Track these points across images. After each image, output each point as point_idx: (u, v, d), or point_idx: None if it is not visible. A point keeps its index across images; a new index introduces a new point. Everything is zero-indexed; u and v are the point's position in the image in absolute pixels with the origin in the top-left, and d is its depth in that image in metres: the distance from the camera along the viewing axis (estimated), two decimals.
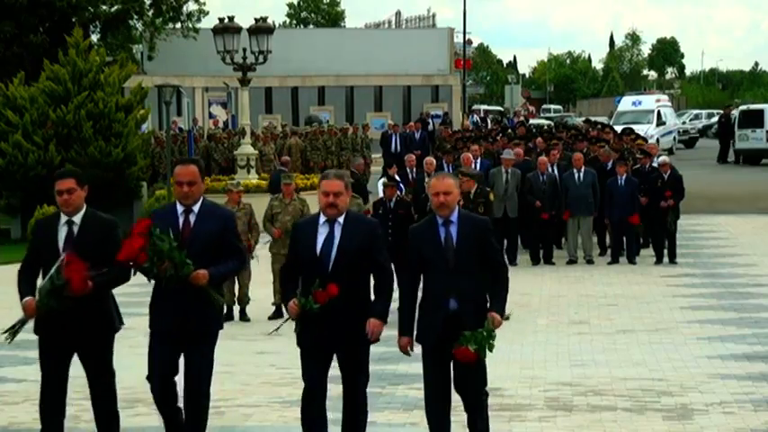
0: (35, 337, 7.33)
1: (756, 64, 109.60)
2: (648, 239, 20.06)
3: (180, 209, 7.33)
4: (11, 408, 9.59)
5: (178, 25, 43.94)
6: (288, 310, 7.14)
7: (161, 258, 6.83)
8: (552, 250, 19.78)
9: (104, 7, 39.00)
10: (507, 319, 7.21)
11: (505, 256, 18.51)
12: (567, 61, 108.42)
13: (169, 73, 39.55)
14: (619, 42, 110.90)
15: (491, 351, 6.88)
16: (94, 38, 33.79)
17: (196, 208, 7.34)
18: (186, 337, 7.13)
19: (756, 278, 17.37)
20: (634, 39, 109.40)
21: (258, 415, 9.41)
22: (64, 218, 7.20)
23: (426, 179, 15.92)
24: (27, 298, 7.11)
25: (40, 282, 7.20)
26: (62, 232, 7.19)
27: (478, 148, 21.90)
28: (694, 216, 23.51)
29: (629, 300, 15.57)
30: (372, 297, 7.21)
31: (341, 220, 7.20)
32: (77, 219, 7.19)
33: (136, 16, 42.63)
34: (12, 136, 24.87)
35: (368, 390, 7.32)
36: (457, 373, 7.04)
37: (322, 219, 7.24)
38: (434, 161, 19.87)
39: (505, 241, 18.41)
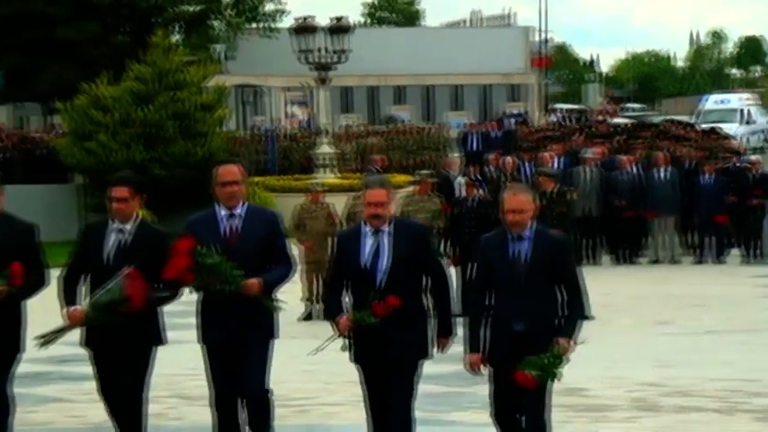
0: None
1: None
2: (737, 239, 19.78)
3: (222, 213, 6.81)
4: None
5: (257, 25, 44.19)
6: (336, 326, 6.60)
7: (210, 274, 6.47)
8: (635, 250, 19.58)
9: (185, 7, 39.38)
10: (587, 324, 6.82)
11: (586, 256, 18.90)
12: (649, 60, 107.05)
13: (248, 73, 39.87)
14: (702, 40, 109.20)
15: (556, 379, 6.40)
16: (176, 38, 33.98)
17: (240, 211, 6.84)
18: (242, 346, 6.71)
19: None
20: (718, 36, 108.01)
21: (342, 414, 9.27)
22: (113, 225, 6.77)
23: (503, 179, 15.82)
24: (72, 307, 6.69)
25: (81, 286, 6.82)
26: (111, 239, 6.76)
27: (560, 146, 21.80)
28: None
29: (717, 300, 15.35)
30: (431, 305, 6.73)
31: (388, 229, 6.69)
32: (129, 227, 6.77)
33: (216, 16, 43.04)
34: (98, 135, 25.35)
35: (451, 389, 7.22)
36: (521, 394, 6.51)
37: (366, 229, 6.71)
38: (514, 161, 19.84)
39: (588, 240, 18.46)
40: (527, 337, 6.34)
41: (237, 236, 6.73)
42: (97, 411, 7.47)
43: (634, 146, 22.46)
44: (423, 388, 7.16)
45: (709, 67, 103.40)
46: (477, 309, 6.66)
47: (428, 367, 6.82)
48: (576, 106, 59.60)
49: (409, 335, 6.50)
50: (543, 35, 55.92)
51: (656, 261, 19.27)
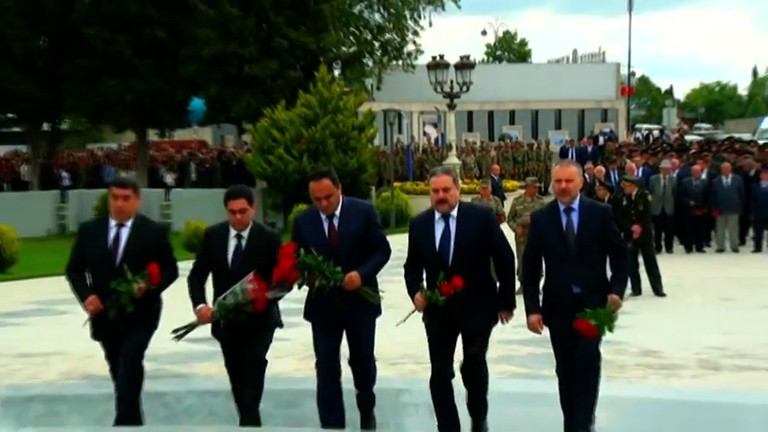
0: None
1: None
2: None
3: (323, 215, 6.24)
4: (278, 361, 9.68)
5: (400, 62, 44.47)
6: (414, 303, 6.06)
7: (311, 272, 6.01)
8: (702, 241, 19.26)
9: (344, 49, 39.78)
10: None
11: (663, 245, 18.72)
12: (716, 89, 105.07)
13: (392, 100, 39.91)
14: (762, 73, 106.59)
15: (611, 331, 5.87)
16: (336, 73, 34.37)
17: (337, 212, 6.24)
18: (348, 326, 6.28)
19: None
20: None
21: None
22: (233, 231, 6.33)
23: (596, 185, 15.58)
24: (201, 306, 6.28)
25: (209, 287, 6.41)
26: (232, 244, 6.34)
27: (641, 158, 21.53)
28: None
29: None
30: (497, 282, 6.21)
31: (454, 213, 6.09)
32: (245, 233, 6.32)
33: (367, 56, 43.45)
34: (276, 150, 25.90)
35: (533, 351, 6.87)
36: (578, 348, 5.98)
37: (437, 215, 6.12)
38: (603, 169, 19.69)
39: (663, 233, 18.17)
40: (584, 301, 5.84)
41: (336, 233, 6.19)
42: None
43: (703, 157, 22.03)
44: (525, 349, 7.01)
45: (766, 94, 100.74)
46: (532, 277, 6.16)
47: (527, 333, 6.32)
48: (656, 126, 58.45)
49: (477, 309, 6.00)
50: (629, 69, 54.69)
51: (720, 250, 18.95)
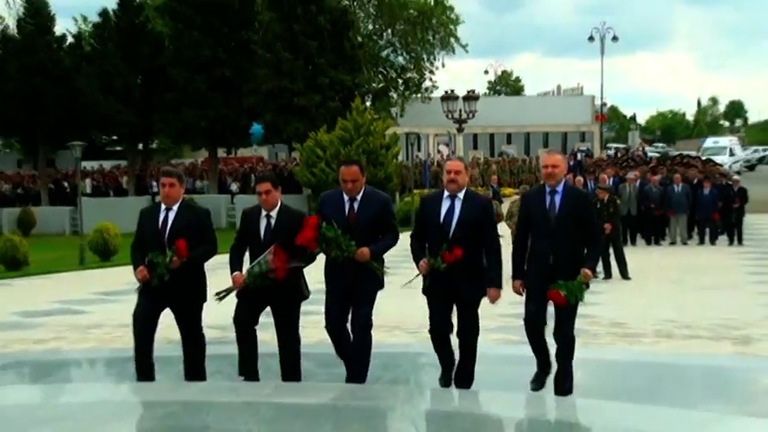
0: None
1: None
2: (723, 230, 19.22)
3: (346, 197, 5.91)
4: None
5: (419, 95, 44.44)
6: (419, 268, 5.77)
7: (329, 244, 5.73)
8: (659, 236, 19.11)
9: (374, 85, 39.92)
10: (597, 276, 6.29)
11: (629, 239, 18.37)
12: (670, 116, 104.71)
13: (412, 125, 39.79)
14: (704, 103, 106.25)
15: (581, 300, 5.59)
16: (367, 104, 34.44)
17: (359, 197, 5.89)
18: (354, 294, 5.88)
19: None
20: (714, 101, 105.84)
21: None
22: (264, 212, 6.03)
23: (596, 189, 15.57)
24: (236, 273, 6.03)
25: (246, 261, 6.15)
26: (263, 223, 6.04)
27: (611, 170, 21.41)
28: (755, 214, 21.87)
29: (711, 267, 14.81)
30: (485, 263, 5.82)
31: (461, 195, 5.76)
32: (274, 213, 6.01)
33: (392, 90, 43.48)
34: (319, 164, 25.94)
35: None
36: (555, 316, 5.74)
37: (446, 193, 5.78)
38: (581, 179, 19.65)
39: (628, 230, 18.03)
40: (558, 270, 5.55)
41: (355, 215, 5.85)
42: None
43: (659, 170, 21.96)
44: (520, 322, 6.80)
45: (709, 120, 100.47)
46: (519, 246, 5.83)
47: (522, 308, 5.96)
48: (623, 145, 58.02)
49: (471, 282, 5.69)
50: (601, 101, 54.23)
51: (673, 243, 18.82)
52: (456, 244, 5.59)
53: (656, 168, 23.25)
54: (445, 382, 5.93)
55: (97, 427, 5.05)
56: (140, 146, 37.27)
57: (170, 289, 5.95)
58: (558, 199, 5.65)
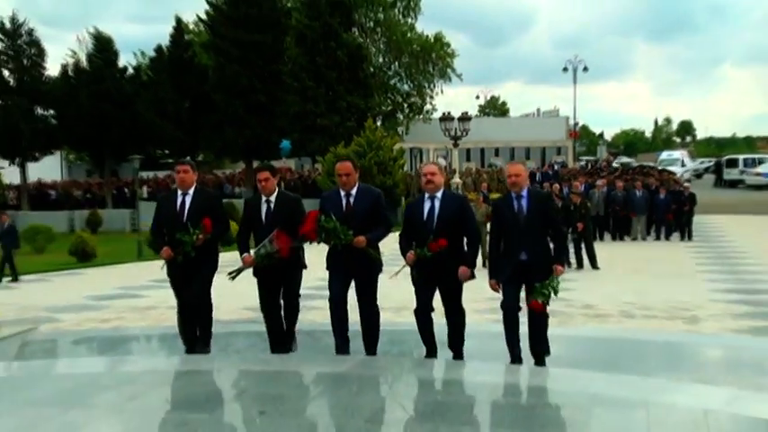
0: None
1: (734, 134, 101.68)
2: (676, 228, 19.11)
3: (343, 193, 5.70)
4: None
5: (420, 116, 44.31)
6: (406, 260, 5.57)
7: (328, 234, 5.53)
8: (623, 233, 18.99)
9: (383, 108, 39.83)
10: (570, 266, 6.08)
11: (598, 236, 18.27)
12: (632, 133, 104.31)
13: (415, 141, 39.85)
14: (660, 123, 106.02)
15: (556, 294, 5.41)
16: (378, 123, 34.40)
17: (354, 191, 5.69)
18: (357, 282, 5.70)
19: (736, 247, 16.16)
20: (668, 120, 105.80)
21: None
22: (263, 198, 5.82)
23: (571, 193, 15.44)
24: (245, 255, 5.83)
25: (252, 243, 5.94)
26: (263, 208, 5.83)
27: (583, 178, 21.34)
28: (703, 215, 21.88)
29: (666, 258, 14.73)
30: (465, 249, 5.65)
31: (438, 195, 5.57)
32: (272, 198, 5.81)
33: (399, 112, 43.37)
34: None
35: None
36: (529, 324, 5.53)
37: (426, 196, 5.60)
38: (558, 186, 19.59)
39: (597, 228, 17.94)
40: (529, 264, 5.39)
41: (351, 208, 5.63)
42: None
43: (624, 178, 21.89)
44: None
45: (663, 137, 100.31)
46: (495, 249, 5.61)
47: None
48: (592, 158, 57.76)
49: (452, 271, 5.50)
50: (574, 120, 54.01)
51: (634, 239, 18.70)
52: (437, 238, 5.43)
53: (621, 177, 23.17)
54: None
55: (152, 391, 5.05)
56: (187, 158, 37.36)
57: (190, 265, 5.77)
58: (524, 202, 5.48)
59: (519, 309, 5.57)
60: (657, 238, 18.83)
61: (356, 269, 5.65)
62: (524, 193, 5.51)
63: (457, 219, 5.54)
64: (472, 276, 5.59)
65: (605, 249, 15.67)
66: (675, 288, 10.80)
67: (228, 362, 5.99)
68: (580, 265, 13.44)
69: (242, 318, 6.33)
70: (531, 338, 5.57)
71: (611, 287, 11.25)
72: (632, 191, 19.10)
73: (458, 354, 5.82)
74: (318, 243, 5.71)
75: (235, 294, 7.02)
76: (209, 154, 40.78)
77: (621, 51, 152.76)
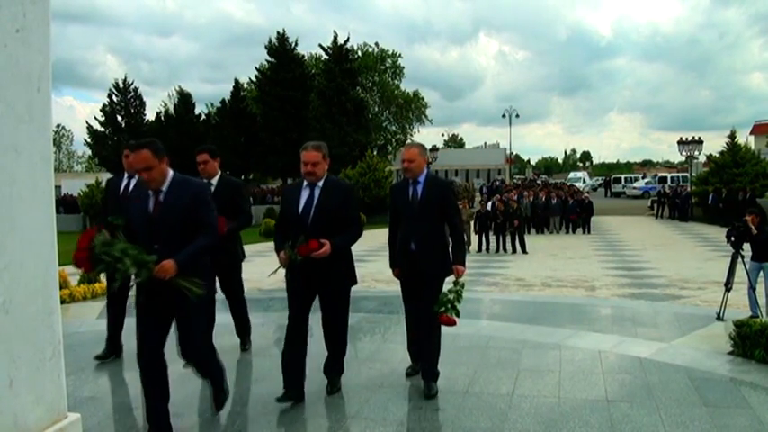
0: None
1: (618, 160, 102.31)
2: (581, 225, 18.93)
3: (305, 184, 3.36)
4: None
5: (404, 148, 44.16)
6: (279, 259, 3.25)
7: (117, 261, 2.70)
8: (544, 228, 18.85)
9: (378, 142, 39.71)
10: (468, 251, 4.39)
11: (527, 230, 17.10)
12: (550, 159, 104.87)
13: (401, 165, 39.70)
14: (569, 152, 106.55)
15: (460, 303, 3.38)
16: (375, 152, 34.30)
17: (320, 183, 3.32)
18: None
19: (621, 239, 16.01)
20: (574, 150, 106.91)
21: None
22: (305, 182, 3.43)
23: (495, 203, 15.26)
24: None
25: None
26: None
27: (516, 190, 21.32)
28: (597, 216, 21.69)
29: (573, 246, 14.58)
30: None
31: (320, 184, 3.32)
32: (214, 182, 4.12)
33: (390, 145, 43.34)
34: None
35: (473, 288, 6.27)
36: (419, 323, 3.59)
37: (305, 183, 3.35)
38: (499, 196, 19.47)
39: (527, 225, 17.97)
40: (419, 255, 3.52)
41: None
42: None
43: (544, 190, 21.91)
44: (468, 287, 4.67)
45: (571, 162, 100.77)
46: (391, 236, 3.73)
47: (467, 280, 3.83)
48: (522, 176, 57.99)
49: (332, 273, 3.33)
50: (510, 151, 54.02)
51: (551, 233, 18.61)
52: (314, 234, 3.25)
53: (542, 189, 23.20)
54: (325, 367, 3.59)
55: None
56: (242, 177, 37.30)
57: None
58: (420, 188, 3.57)
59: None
60: (567, 232, 18.76)
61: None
62: (421, 178, 3.59)
63: (340, 211, 3.31)
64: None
65: (532, 240, 15.59)
66: (579, 266, 10.78)
67: (269, 318, 5.81)
68: (514, 250, 13.44)
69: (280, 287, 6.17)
70: (423, 357, 3.54)
71: (535, 266, 11.21)
72: (550, 199, 19.12)
73: (334, 386, 3.55)
74: (96, 276, 3.44)
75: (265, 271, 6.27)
76: (257, 174, 40.77)
77: (542, 103, 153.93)
